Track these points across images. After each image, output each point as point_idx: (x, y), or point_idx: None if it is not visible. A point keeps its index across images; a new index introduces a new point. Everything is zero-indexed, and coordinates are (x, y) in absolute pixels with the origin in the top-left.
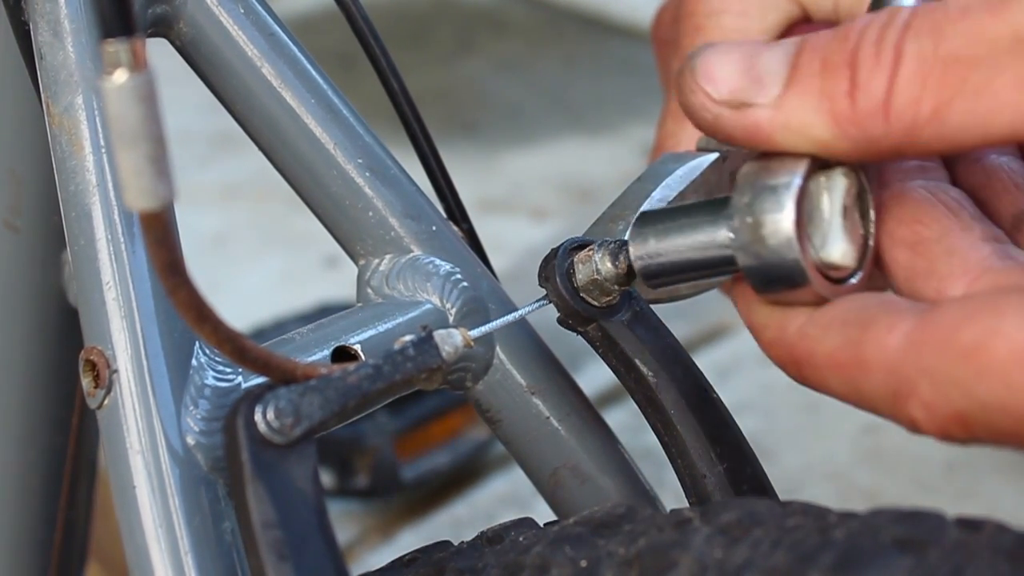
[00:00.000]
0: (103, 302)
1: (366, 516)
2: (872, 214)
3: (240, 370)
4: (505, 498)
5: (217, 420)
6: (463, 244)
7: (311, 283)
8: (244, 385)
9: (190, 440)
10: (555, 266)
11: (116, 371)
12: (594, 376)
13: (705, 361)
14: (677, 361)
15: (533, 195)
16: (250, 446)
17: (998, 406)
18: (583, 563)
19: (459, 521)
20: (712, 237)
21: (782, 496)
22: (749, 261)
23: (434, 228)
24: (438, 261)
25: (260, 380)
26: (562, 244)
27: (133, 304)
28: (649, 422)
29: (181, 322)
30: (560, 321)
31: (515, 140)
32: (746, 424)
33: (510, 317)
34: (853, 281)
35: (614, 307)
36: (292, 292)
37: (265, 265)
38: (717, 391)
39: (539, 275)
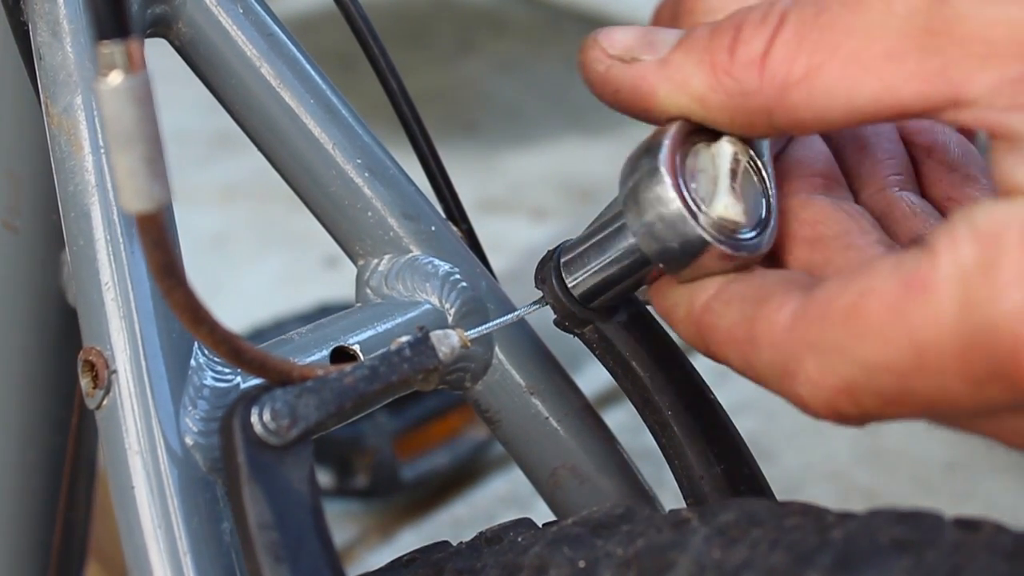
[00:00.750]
0: (102, 303)
1: (366, 516)
2: (771, 182)
3: (239, 370)
4: (505, 498)
5: (216, 420)
6: (462, 244)
7: (311, 283)
8: (243, 386)
9: (189, 440)
10: (551, 268)
11: (115, 371)
12: (593, 376)
13: (705, 361)
14: (674, 362)
15: (533, 195)
16: (246, 448)
17: (881, 365)
18: (581, 563)
19: (459, 521)
20: (620, 241)
21: (782, 496)
22: (651, 244)
23: (433, 228)
24: (437, 261)
25: (258, 381)
26: (558, 246)
27: (132, 305)
28: (646, 423)
29: (180, 323)
30: (557, 323)
31: (515, 140)
32: (746, 424)
33: (507, 318)
34: (758, 243)
35: (610, 309)
36: (292, 292)
37: (265, 265)
38: (717, 391)
39: (535, 277)
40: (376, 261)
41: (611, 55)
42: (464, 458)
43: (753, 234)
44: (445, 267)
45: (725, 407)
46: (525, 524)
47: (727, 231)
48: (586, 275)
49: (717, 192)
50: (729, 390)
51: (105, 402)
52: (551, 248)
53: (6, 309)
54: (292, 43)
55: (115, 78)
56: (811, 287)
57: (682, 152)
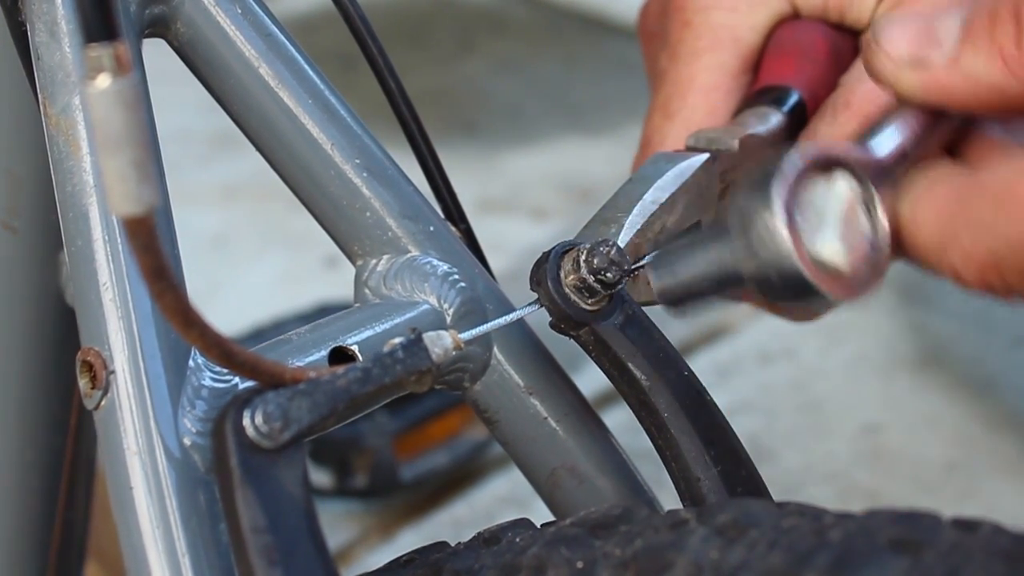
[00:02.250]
0: (100, 303)
1: (366, 516)
2: (884, 223)
3: None
4: (505, 498)
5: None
6: (461, 244)
7: (311, 283)
8: (241, 386)
9: (187, 441)
10: (546, 270)
11: (113, 372)
12: (593, 377)
13: (705, 361)
14: (670, 364)
15: (533, 195)
16: (239, 451)
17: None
18: (579, 564)
19: (459, 521)
20: (720, 255)
21: (781, 496)
22: (751, 270)
23: (432, 228)
24: (436, 261)
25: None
26: (553, 248)
27: (130, 305)
28: (643, 425)
29: None
30: (553, 325)
31: (515, 140)
32: (746, 424)
33: (503, 320)
34: (858, 289)
35: (606, 310)
36: (292, 292)
37: (265, 265)
38: (717, 391)
39: (531, 279)
40: (375, 261)
41: (898, 61)
42: (463, 458)
43: (851, 280)
44: (444, 267)
45: (725, 407)
46: (523, 525)
47: (828, 271)
48: (677, 279)
49: (825, 233)
50: (729, 390)
51: (103, 402)
52: (546, 250)
53: (5, 309)
54: (291, 43)
55: (103, 81)
56: (976, 172)
57: (801, 182)
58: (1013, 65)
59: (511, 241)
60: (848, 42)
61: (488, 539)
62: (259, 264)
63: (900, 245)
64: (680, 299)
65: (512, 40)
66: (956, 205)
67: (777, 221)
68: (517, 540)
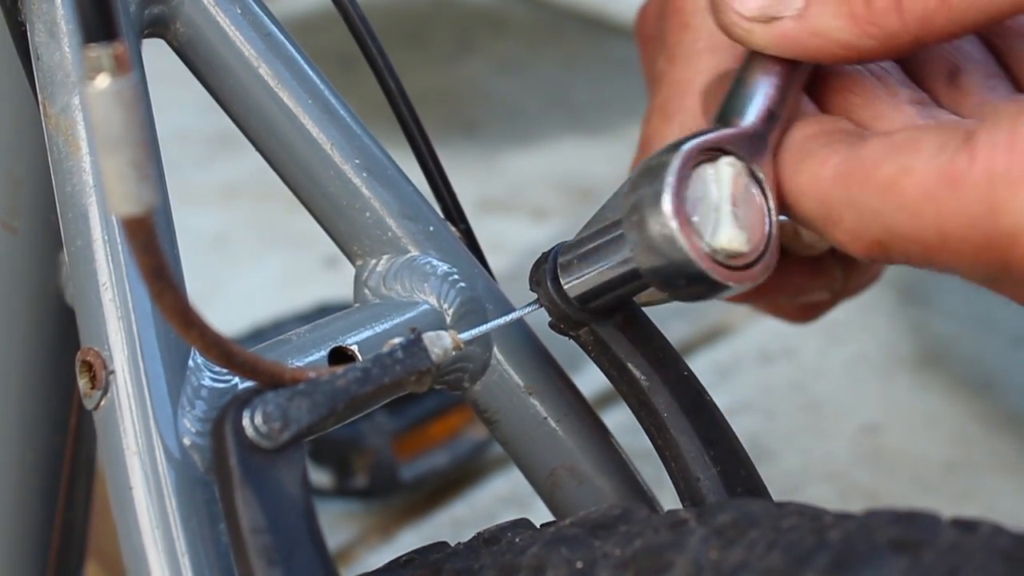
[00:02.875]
0: (100, 303)
1: (366, 516)
2: (771, 201)
3: None
4: (505, 498)
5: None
6: (461, 244)
7: (311, 283)
8: (241, 386)
9: (187, 441)
10: (545, 270)
11: (112, 372)
12: (594, 376)
13: (705, 361)
14: (669, 364)
15: (533, 195)
16: (238, 451)
17: (909, 237)
18: (579, 564)
19: (459, 521)
20: (617, 253)
21: (781, 496)
22: (648, 266)
23: (431, 228)
24: (435, 261)
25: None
26: (553, 248)
27: (130, 305)
28: (643, 426)
29: None
30: (552, 325)
31: (515, 140)
32: (746, 424)
33: (503, 320)
34: (756, 273)
35: (605, 311)
36: (292, 292)
37: (265, 265)
38: (717, 391)
39: (530, 279)
40: (374, 261)
41: (748, 17)
42: (464, 458)
43: (752, 259)
44: (443, 267)
45: (725, 407)
46: (523, 525)
47: (727, 259)
48: (582, 279)
49: (720, 221)
50: (729, 390)
51: (103, 402)
52: (546, 250)
53: (4, 309)
54: (290, 43)
55: (102, 81)
56: (854, 144)
57: (687, 175)
58: (862, 23)
59: (511, 241)
60: None
61: (488, 539)
62: (259, 264)
63: (785, 211)
64: (590, 298)
65: (512, 40)
66: (838, 186)
67: (667, 217)
68: (517, 540)
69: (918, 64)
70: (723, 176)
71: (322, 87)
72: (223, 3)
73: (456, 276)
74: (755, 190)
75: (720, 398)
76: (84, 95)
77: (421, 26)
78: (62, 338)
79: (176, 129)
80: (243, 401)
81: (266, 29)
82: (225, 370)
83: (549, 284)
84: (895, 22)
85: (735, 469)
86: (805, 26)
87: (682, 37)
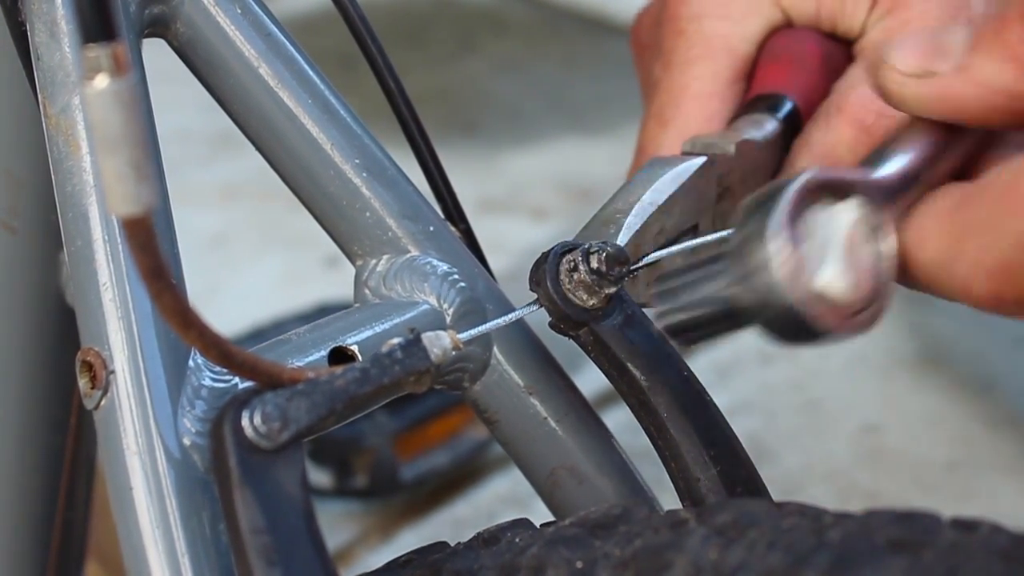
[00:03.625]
0: (100, 303)
1: (366, 516)
2: (889, 248)
3: None
4: (506, 498)
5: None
6: (461, 244)
7: (311, 283)
8: (241, 386)
9: (187, 441)
10: (545, 270)
11: (112, 372)
12: (594, 376)
13: (705, 361)
14: (669, 364)
15: (533, 195)
16: (237, 452)
17: None
18: (579, 564)
19: (459, 521)
20: (717, 285)
21: (781, 497)
22: (746, 302)
23: (431, 228)
24: (435, 261)
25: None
26: (552, 248)
27: (130, 305)
28: (642, 426)
29: None
30: (552, 325)
31: (515, 140)
32: (746, 424)
33: (502, 320)
34: (861, 316)
35: (605, 311)
36: (292, 292)
37: (266, 265)
38: (717, 391)
39: (530, 279)
40: (374, 261)
41: (906, 73)
42: (464, 458)
43: (859, 307)
44: (443, 267)
45: (725, 407)
46: (523, 525)
47: (829, 303)
48: (677, 313)
49: (827, 263)
50: (729, 390)
51: (103, 402)
52: (545, 250)
53: (5, 309)
54: (290, 43)
55: (101, 81)
56: (971, 183)
57: (802, 208)
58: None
59: (511, 241)
60: (840, 50)
61: (487, 539)
62: (259, 264)
63: (906, 269)
64: (682, 330)
65: (512, 40)
66: (958, 213)
67: (772, 252)
68: (516, 540)
69: None
70: (843, 218)
71: (322, 87)
72: (223, 3)
73: (456, 276)
74: (869, 243)
75: (720, 398)
76: (83, 95)
77: (421, 26)
78: (62, 338)
79: (176, 129)
80: (242, 401)
81: (266, 29)
82: (225, 370)
83: (549, 284)
84: None
85: (735, 469)
86: (965, 76)
87: (677, 44)
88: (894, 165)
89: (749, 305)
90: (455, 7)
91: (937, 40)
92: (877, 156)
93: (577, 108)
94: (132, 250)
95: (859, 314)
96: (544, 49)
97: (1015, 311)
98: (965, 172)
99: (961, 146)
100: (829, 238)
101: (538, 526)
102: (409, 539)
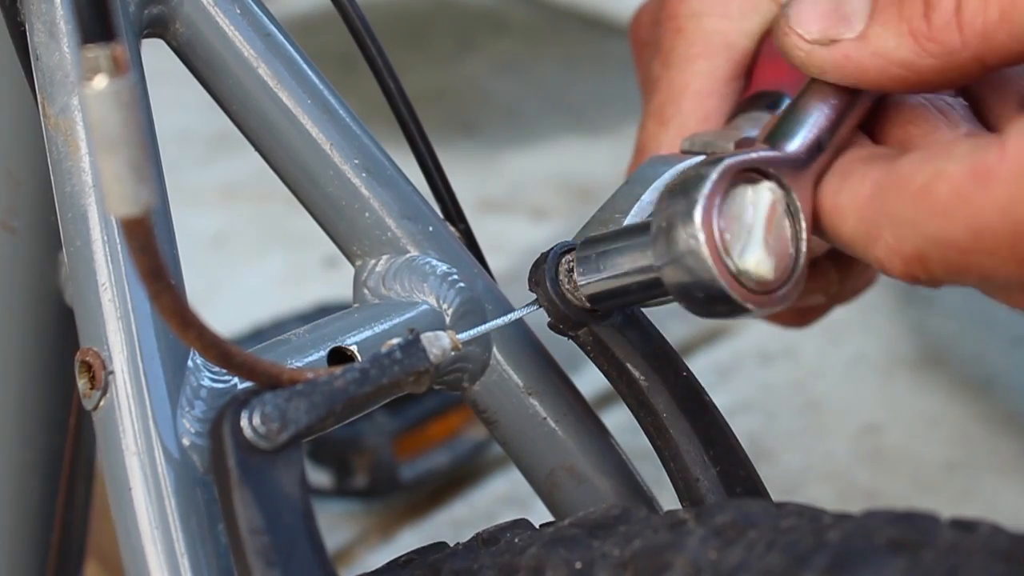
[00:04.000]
0: (99, 303)
1: (366, 516)
2: (803, 233)
3: None
4: (505, 498)
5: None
6: (460, 244)
7: (311, 283)
8: (240, 387)
9: (186, 441)
10: (544, 271)
11: (112, 372)
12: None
13: (705, 361)
14: (668, 364)
15: (533, 195)
16: (236, 452)
17: (945, 242)
18: (578, 565)
19: (459, 521)
20: (641, 260)
21: (781, 496)
22: (672, 280)
23: (431, 229)
24: (435, 262)
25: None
26: (552, 248)
27: (129, 305)
28: (642, 426)
29: None
30: (551, 326)
31: (515, 140)
32: (746, 424)
33: (501, 320)
34: (781, 298)
35: (604, 311)
36: (292, 292)
37: (265, 265)
38: (717, 391)
39: (529, 279)
40: (373, 261)
41: (809, 40)
42: (463, 458)
43: (775, 287)
44: (443, 267)
45: (725, 407)
46: (522, 525)
47: (751, 282)
48: (600, 279)
49: (750, 244)
50: (729, 390)
51: (102, 403)
52: (545, 250)
53: (4, 310)
54: (289, 43)
55: (100, 82)
56: (893, 158)
57: (723, 193)
58: (922, 40)
59: (511, 241)
60: None
61: (487, 539)
62: (259, 264)
63: (824, 234)
64: (604, 297)
65: (512, 40)
66: (876, 201)
67: (697, 230)
68: (516, 540)
69: (984, 101)
70: (762, 200)
71: (321, 87)
72: (222, 3)
73: (455, 276)
74: (788, 220)
75: (720, 398)
76: (83, 95)
77: (421, 26)
78: (62, 338)
79: (176, 129)
80: (241, 402)
81: (265, 29)
82: (224, 371)
83: (548, 284)
84: (955, 38)
85: (734, 469)
86: (865, 46)
87: (677, 42)
88: (805, 134)
89: (674, 280)
90: (455, 7)
91: (838, 4)
92: (788, 124)
93: (577, 108)
94: (131, 251)
95: (779, 290)
96: (544, 49)
97: (928, 286)
98: (868, 124)
99: (863, 102)
100: (750, 218)
101: (538, 526)
102: (409, 539)
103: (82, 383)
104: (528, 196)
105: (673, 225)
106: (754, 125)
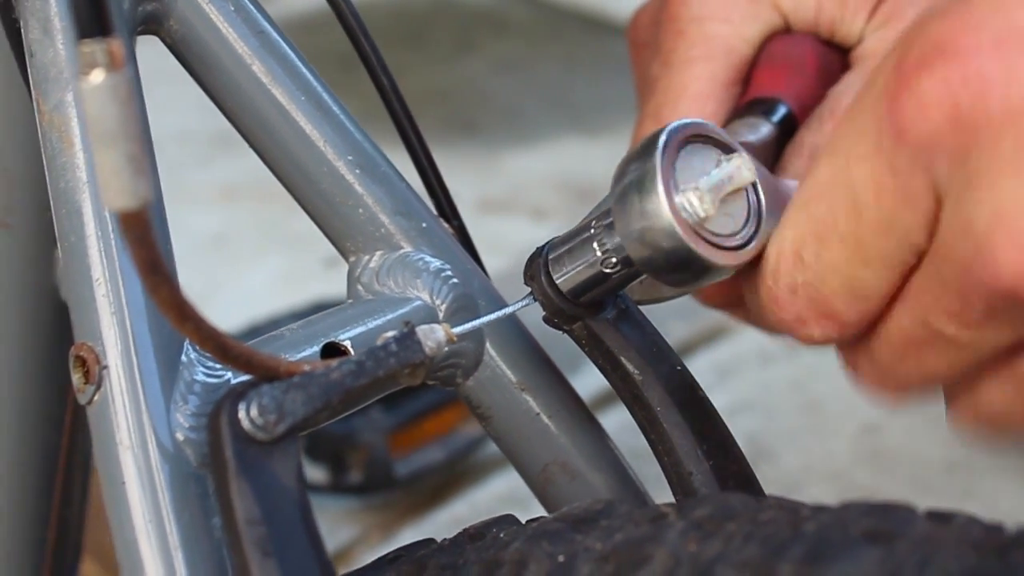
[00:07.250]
0: (93, 299)
1: (366, 515)
2: (763, 192)
3: (229, 366)
4: (505, 497)
5: (206, 416)
6: (453, 241)
7: (311, 283)
8: (234, 381)
9: (179, 436)
10: (539, 265)
11: (106, 367)
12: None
13: (705, 361)
14: (663, 358)
15: (533, 195)
16: (234, 443)
17: None
18: (560, 558)
19: (460, 520)
20: (607, 242)
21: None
22: (638, 251)
23: (424, 225)
24: (428, 258)
25: (247, 377)
26: (547, 243)
27: (123, 300)
28: (636, 420)
29: None
30: (546, 320)
31: (515, 140)
32: (746, 424)
33: (496, 314)
34: (750, 247)
35: (599, 305)
36: (292, 292)
37: (265, 265)
38: (717, 391)
39: (524, 274)
40: (367, 257)
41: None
42: (458, 454)
43: (739, 242)
44: (436, 263)
45: (725, 407)
46: (508, 521)
47: (711, 235)
48: (572, 272)
49: (708, 204)
50: (729, 390)
51: (96, 397)
52: (539, 245)
53: None
54: (283, 41)
55: (97, 76)
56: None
57: (676, 156)
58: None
59: (511, 241)
60: (837, 57)
61: (473, 535)
62: (259, 264)
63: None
64: (582, 291)
65: (512, 40)
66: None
67: (659, 199)
68: (501, 535)
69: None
70: (720, 163)
71: (315, 84)
72: (217, 1)
73: (449, 272)
74: (750, 191)
75: (720, 398)
76: (79, 90)
77: (421, 26)
78: (56, 334)
79: (176, 129)
80: (239, 394)
81: (259, 27)
82: (219, 365)
83: (543, 278)
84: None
85: (727, 463)
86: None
87: (677, 44)
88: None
89: (641, 253)
90: (455, 7)
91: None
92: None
93: (577, 108)
94: (129, 243)
95: (744, 248)
96: (544, 49)
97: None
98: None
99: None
100: (708, 180)
101: (523, 522)
102: (410, 538)
103: (76, 378)
104: (528, 196)
105: (632, 195)
106: (751, 130)
